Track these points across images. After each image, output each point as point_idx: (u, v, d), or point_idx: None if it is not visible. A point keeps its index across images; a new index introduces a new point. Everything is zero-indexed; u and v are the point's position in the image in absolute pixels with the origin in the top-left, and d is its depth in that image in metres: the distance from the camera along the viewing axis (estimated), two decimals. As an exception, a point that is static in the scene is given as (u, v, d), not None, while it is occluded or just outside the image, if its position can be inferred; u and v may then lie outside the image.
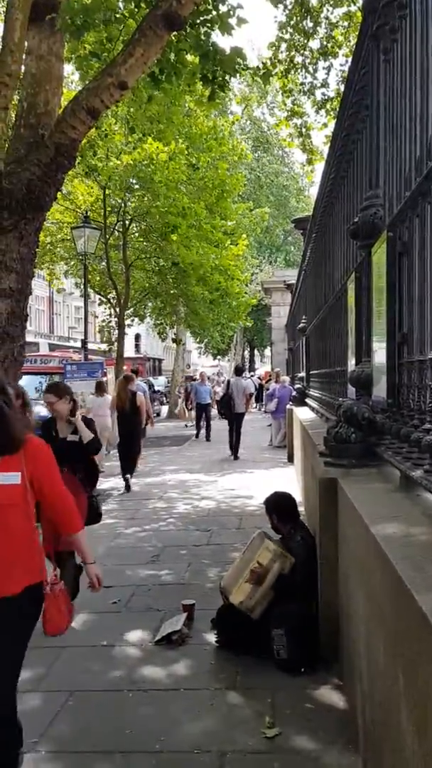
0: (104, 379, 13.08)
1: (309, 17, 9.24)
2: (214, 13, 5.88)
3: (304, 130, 10.70)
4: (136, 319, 21.72)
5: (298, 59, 9.93)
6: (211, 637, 3.85)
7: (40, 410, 4.44)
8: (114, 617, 4.33)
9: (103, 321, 22.41)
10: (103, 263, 17.44)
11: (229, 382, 13.68)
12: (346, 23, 9.61)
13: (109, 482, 9.85)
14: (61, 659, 3.65)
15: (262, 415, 20.32)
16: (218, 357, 44.00)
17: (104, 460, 11.41)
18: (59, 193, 5.95)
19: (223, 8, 5.87)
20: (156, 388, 27.70)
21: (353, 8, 9.24)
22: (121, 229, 17.21)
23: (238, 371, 14.29)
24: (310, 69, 10.11)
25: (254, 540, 3.89)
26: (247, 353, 43.40)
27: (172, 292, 19.45)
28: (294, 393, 10.65)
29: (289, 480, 8.72)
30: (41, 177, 4.97)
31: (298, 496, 5.21)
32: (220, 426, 16.08)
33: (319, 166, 8.72)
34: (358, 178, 3.92)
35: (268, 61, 9.66)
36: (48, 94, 5.38)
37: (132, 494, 8.89)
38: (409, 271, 2.59)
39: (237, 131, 27.67)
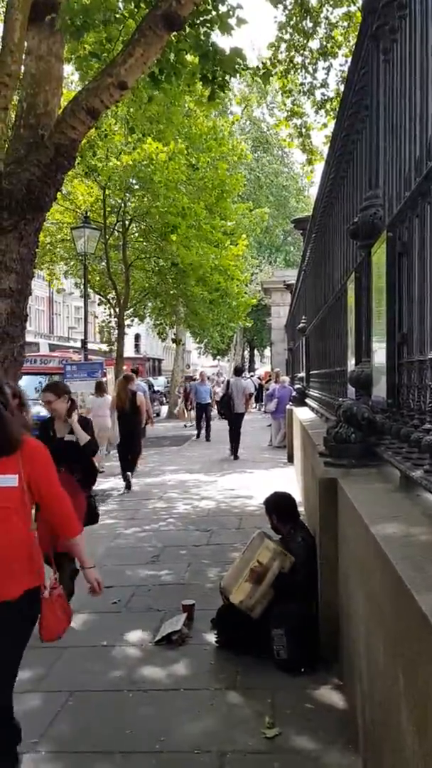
0: (104, 379, 13.08)
1: (309, 17, 9.24)
2: (214, 13, 5.89)
3: (303, 130, 10.70)
4: (136, 320, 21.72)
5: (298, 59, 9.93)
6: (211, 637, 3.85)
7: (40, 411, 4.42)
8: (114, 617, 4.32)
9: (103, 321, 22.43)
10: (103, 263, 17.44)
11: (228, 382, 13.69)
12: (345, 23, 9.61)
13: (109, 482, 9.85)
14: (62, 659, 3.65)
15: (262, 415, 20.31)
16: (218, 357, 44.01)
17: (104, 460, 11.41)
18: (59, 193, 5.95)
19: (222, 8, 5.88)
20: (156, 388, 27.70)
21: (353, 8, 9.24)
22: (120, 230, 17.22)
23: (238, 371, 14.30)
24: (310, 69, 10.11)
25: (254, 540, 3.90)
26: (246, 353, 43.40)
27: (171, 292, 19.46)
28: (294, 393, 10.65)
29: (289, 480, 8.72)
30: (41, 177, 4.97)
31: (297, 496, 5.21)
32: (220, 426, 16.08)
33: (319, 167, 8.73)
34: (358, 179, 3.93)
35: (267, 61, 9.66)
36: (48, 95, 5.38)
37: (132, 494, 8.89)
38: (408, 271, 2.59)
39: (237, 131, 27.68)
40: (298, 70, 10.09)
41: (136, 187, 16.05)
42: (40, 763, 2.70)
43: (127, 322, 18.88)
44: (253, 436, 15.00)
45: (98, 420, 11.01)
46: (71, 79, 12.95)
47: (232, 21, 5.88)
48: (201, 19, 5.90)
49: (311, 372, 8.32)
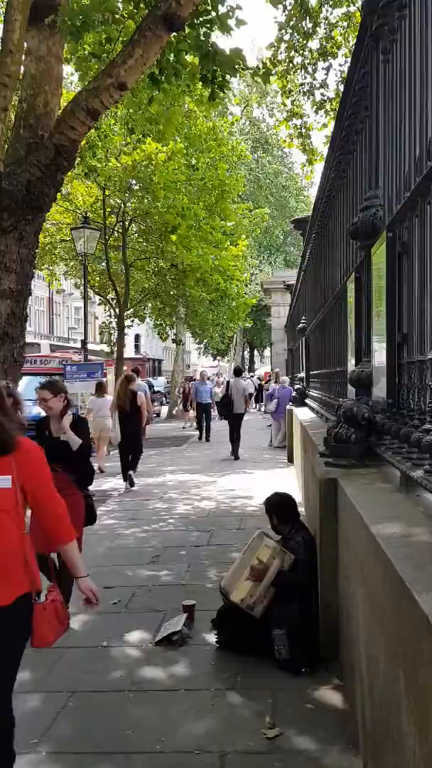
0: (104, 379, 13.08)
1: (308, 17, 9.24)
2: (214, 14, 5.89)
3: (303, 130, 10.70)
4: (136, 320, 21.73)
5: (298, 60, 9.93)
6: (212, 638, 3.85)
7: (40, 412, 4.36)
8: (114, 618, 4.32)
9: (103, 322, 22.44)
10: (103, 264, 17.45)
11: (228, 383, 13.69)
12: (345, 23, 9.61)
13: (110, 482, 9.85)
14: (62, 660, 3.65)
15: (262, 415, 20.32)
16: (218, 357, 44.04)
17: (104, 460, 11.42)
18: (59, 193, 5.94)
19: (222, 9, 5.88)
20: (156, 389, 27.71)
21: (352, 8, 9.24)
22: (120, 230, 17.22)
23: (237, 372, 14.31)
24: (310, 69, 10.11)
25: (254, 540, 3.90)
26: (246, 354, 43.43)
27: (171, 292, 19.48)
28: (294, 393, 10.65)
29: (289, 480, 8.72)
30: (41, 178, 4.97)
31: (298, 496, 5.21)
32: (220, 426, 16.08)
33: (319, 167, 8.72)
34: (358, 179, 3.93)
35: (267, 61, 9.65)
36: (47, 95, 5.38)
37: (132, 494, 8.89)
38: (408, 271, 2.59)
39: (236, 132, 27.69)
40: (298, 71, 10.09)
41: (136, 187, 16.05)
42: (41, 763, 2.70)
43: (127, 322, 18.88)
44: (253, 437, 15.00)
45: (99, 420, 11.05)
46: (71, 79, 12.96)
47: (232, 22, 5.89)
48: (201, 19, 5.89)
49: (311, 372, 8.32)
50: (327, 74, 10.87)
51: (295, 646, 3.44)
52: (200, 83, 6.54)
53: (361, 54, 3.54)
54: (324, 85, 10.39)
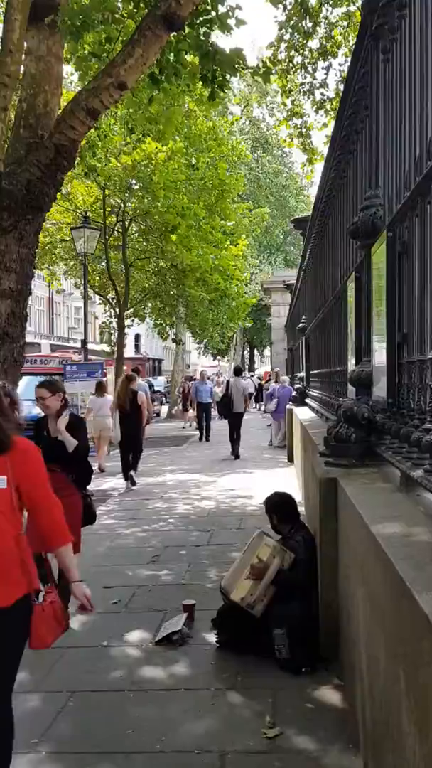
0: (104, 379, 13.09)
1: (308, 17, 9.23)
2: (213, 13, 5.88)
3: (304, 130, 10.70)
4: (136, 320, 21.73)
5: (298, 59, 9.93)
6: (212, 637, 3.85)
7: (40, 412, 4.34)
8: (114, 617, 4.32)
9: (104, 322, 22.44)
10: (103, 264, 17.45)
11: (228, 382, 13.71)
12: (345, 23, 9.60)
13: (110, 482, 9.85)
14: (62, 660, 3.65)
15: (262, 415, 20.31)
16: (218, 357, 44.04)
17: (105, 459, 11.43)
18: (59, 193, 5.94)
19: (222, 9, 5.87)
20: (156, 388, 27.72)
21: (352, 8, 9.23)
22: (120, 230, 17.22)
23: (237, 372, 14.34)
24: (310, 69, 10.10)
25: (254, 539, 3.90)
26: (246, 353, 43.42)
27: (171, 292, 19.48)
28: (294, 393, 10.65)
29: (289, 480, 8.72)
30: (41, 178, 4.97)
31: (298, 496, 5.21)
32: (220, 426, 16.07)
33: (319, 166, 8.72)
34: (358, 178, 3.92)
35: (267, 61, 9.65)
36: (47, 95, 5.38)
37: (132, 494, 8.89)
38: (408, 270, 2.59)
39: (236, 131, 27.69)
40: (298, 70, 10.09)
41: (136, 187, 16.05)
42: (41, 763, 2.70)
43: (127, 322, 18.88)
44: (253, 436, 15.00)
45: (99, 419, 11.08)
46: (71, 79, 12.96)
47: (231, 21, 5.89)
48: (201, 19, 5.89)
49: (311, 372, 8.32)
50: (327, 74, 10.84)
51: (295, 645, 3.44)
52: (200, 83, 6.54)
53: (361, 53, 3.54)
54: (324, 84, 10.38)
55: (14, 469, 2.21)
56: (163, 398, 28.40)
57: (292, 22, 9.30)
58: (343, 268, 4.80)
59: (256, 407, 23.79)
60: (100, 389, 11.49)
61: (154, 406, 20.32)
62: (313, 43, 9.77)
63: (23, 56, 5.21)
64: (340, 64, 10.28)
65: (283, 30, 9.51)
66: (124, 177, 15.27)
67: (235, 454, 12.44)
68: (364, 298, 3.52)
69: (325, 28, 9.65)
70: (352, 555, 2.71)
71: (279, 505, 4.12)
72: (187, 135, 16.20)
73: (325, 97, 10.32)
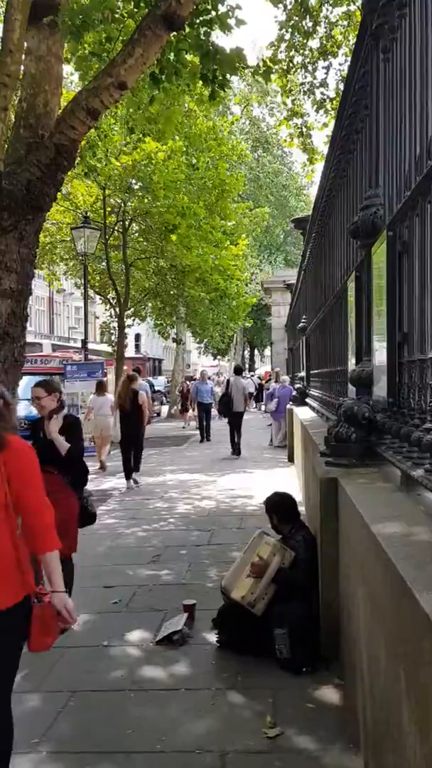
0: (104, 379, 13.12)
1: (308, 16, 9.24)
2: (213, 13, 5.88)
3: (304, 129, 10.70)
4: (137, 320, 21.73)
5: (298, 59, 9.93)
6: (212, 637, 3.85)
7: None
8: (115, 617, 4.33)
9: (104, 322, 22.45)
10: (103, 263, 17.46)
11: (228, 381, 13.74)
12: (345, 22, 9.60)
13: (110, 482, 9.86)
14: (63, 660, 3.65)
15: (263, 414, 20.31)
16: (218, 357, 44.05)
17: (107, 459, 11.45)
18: (59, 193, 5.93)
19: (222, 8, 5.87)
20: (156, 388, 27.72)
21: (352, 7, 9.24)
22: (120, 230, 17.22)
23: (238, 371, 14.39)
24: (310, 68, 10.11)
25: (254, 539, 3.90)
26: (247, 353, 43.42)
27: (171, 292, 19.48)
28: (294, 393, 10.65)
29: (290, 480, 8.72)
30: (41, 177, 4.96)
31: (298, 496, 5.21)
32: (220, 425, 16.07)
33: (320, 166, 8.72)
34: (358, 178, 3.92)
35: (268, 60, 9.65)
36: (47, 95, 5.37)
37: (132, 494, 8.90)
38: (409, 270, 2.59)
39: (236, 131, 27.69)
40: (298, 70, 10.09)
41: (136, 187, 16.05)
42: (42, 763, 2.70)
43: (127, 322, 18.89)
44: (253, 436, 15.00)
45: (100, 419, 11.10)
46: (71, 79, 12.96)
47: (231, 21, 5.88)
48: (201, 18, 5.89)
49: (311, 371, 8.31)
50: (327, 73, 10.85)
51: (296, 645, 3.44)
52: (200, 82, 6.54)
53: (362, 53, 3.53)
54: (324, 84, 10.39)
55: (7, 466, 2.19)
56: (164, 398, 28.40)
57: (292, 22, 9.30)
58: (343, 268, 4.80)
59: (256, 407, 23.78)
60: (101, 389, 11.53)
61: (154, 406, 20.34)
62: (314, 43, 9.79)
63: (23, 56, 5.21)
64: (340, 64, 10.30)
65: (284, 29, 9.51)
66: (125, 177, 15.27)
67: (237, 452, 12.48)
68: (364, 297, 3.52)
69: (326, 27, 9.66)
70: (353, 554, 2.71)
71: (279, 505, 4.12)
72: (187, 135, 16.20)
73: (325, 97, 10.33)
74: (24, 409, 9.65)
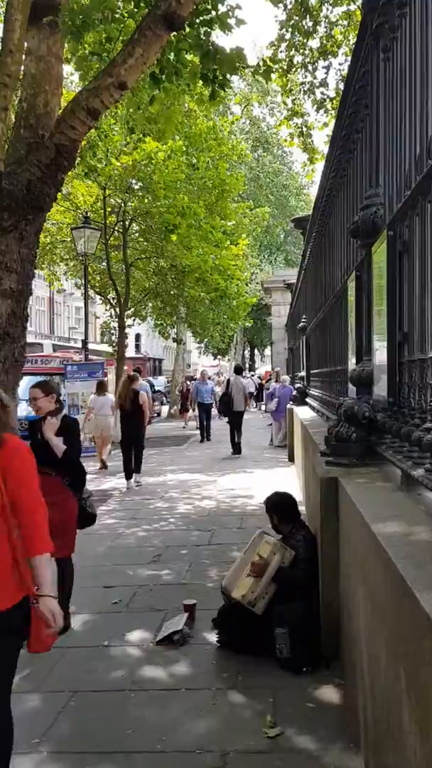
0: (105, 379, 13.14)
1: (308, 16, 9.24)
2: (213, 13, 5.88)
3: (304, 129, 10.70)
4: (137, 320, 21.74)
5: (298, 59, 9.93)
6: (213, 637, 3.85)
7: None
8: (115, 617, 4.33)
9: (105, 321, 22.47)
10: (103, 263, 17.46)
11: (228, 380, 13.76)
12: (345, 22, 9.60)
13: (110, 482, 9.86)
14: (63, 660, 3.65)
15: (263, 414, 20.31)
16: (218, 357, 44.06)
17: (108, 459, 11.46)
18: (59, 193, 5.93)
19: (222, 8, 5.87)
20: (156, 388, 27.72)
21: (353, 7, 9.24)
22: (120, 230, 17.23)
23: (238, 370, 14.42)
24: (310, 68, 10.11)
25: (254, 539, 3.91)
26: (247, 353, 43.43)
27: (172, 292, 19.49)
28: (294, 392, 10.65)
29: (290, 480, 8.72)
30: (41, 178, 4.96)
31: (298, 495, 5.21)
32: (220, 425, 16.07)
33: (320, 166, 8.72)
34: (358, 177, 3.92)
35: (268, 60, 9.65)
36: (48, 95, 5.37)
37: (133, 494, 8.90)
38: (409, 269, 2.59)
39: (237, 131, 27.69)
40: (299, 69, 10.09)
41: (136, 187, 16.05)
42: (42, 763, 2.70)
43: (128, 322, 18.90)
44: (253, 436, 15.00)
45: (101, 418, 11.12)
46: (71, 79, 12.97)
47: (231, 21, 5.88)
48: (201, 18, 5.89)
49: (312, 371, 8.31)
50: (327, 73, 10.86)
51: (296, 645, 3.44)
52: (201, 82, 6.54)
53: (362, 52, 3.53)
54: (324, 83, 10.38)
55: (2, 468, 2.18)
56: (164, 398, 28.40)
57: (292, 21, 9.30)
58: (343, 268, 4.80)
59: (256, 407, 23.78)
60: (101, 388, 11.56)
61: (154, 406, 20.33)
62: (314, 42, 9.79)
63: (23, 56, 5.21)
64: (340, 64, 10.30)
65: (284, 29, 9.51)
66: (125, 177, 15.28)
67: (238, 450, 12.51)
68: (364, 297, 3.51)
69: (326, 27, 9.66)
70: (353, 554, 2.71)
71: (279, 505, 4.12)
72: (188, 134, 16.20)
73: (325, 97, 10.33)
74: (24, 409, 9.65)
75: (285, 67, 9.86)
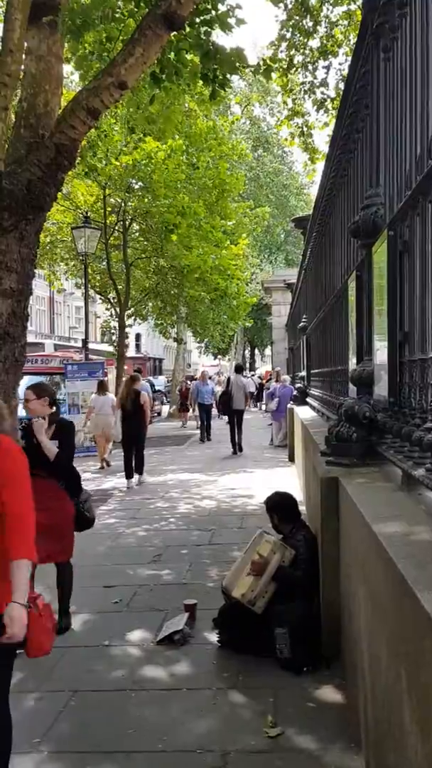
0: (105, 378, 13.16)
1: (309, 16, 9.24)
2: (213, 13, 5.88)
3: (305, 129, 10.70)
4: (138, 319, 21.75)
5: (298, 58, 9.93)
6: (213, 637, 3.85)
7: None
8: (116, 617, 4.33)
9: (105, 320, 22.48)
10: (104, 263, 17.47)
11: (228, 379, 13.78)
12: (346, 22, 9.60)
13: (111, 482, 9.86)
14: (63, 659, 3.65)
15: (263, 414, 20.31)
16: (219, 356, 44.06)
17: (110, 458, 11.48)
18: (59, 193, 5.93)
19: (222, 8, 5.87)
20: (157, 388, 27.72)
21: (353, 7, 9.23)
22: (121, 229, 17.23)
23: (238, 369, 14.45)
24: (310, 68, 10.11)
25: (255, 539, 3.91)
26: (247, 352, 43.43)
27: (172, 292, 19.49)
28: (295, 392, 10.65)
29: (290, 479, 8.72)
30: (41, 177, 4.96)
31: (299, 495, 5.21)
32: (220, 425, 16.07)
33: (320, 166, 8.72)
34: (359, 177, 3.92)
35: (268, 60, 9.65)
36: (48, 95, 5.37)
37: (133, 494, 8.90)
38: (410, 269, 2.59)
39: (237, 131, 27.69)
40: (299, 69, 10.09)
41: (136, 186, 16.05)
42: (43, 762, 2.70)
43: (128, 321, 18.90)
44: (254, 436, 15.00)
45: (101, 417, 11.15)
46: (72, 78, 12.97)
47: (231, 21, 5.88)
48: (201, 18, 5.89)
49: (312, 371, 8.31)
50: (327, 73, 10.87)
51: (296, 645, 3.44)
52: (201, 82, 6.54)
53: (362, 52, 3.53)
54: (324, 83, 10.38)
55: None
56: (164, 398, 28.40)
57: (292, 21, 9.30)
58: (344, 267, 4.80)
59: (257, 407, 23.77)
60: (102, 388, 11.59)
61: (155, 406, 20.34)
62: (314, 42, 9.78)
63: (24, 56, 5.21)
64: (340, 63, 10.30)
65: (284, 29, 9.51)
66: (125, 176, 15.28)
67: (239, 449, 12.52)
68: (365, 297, 3.51)
69: (326, 27, 9.66)
70: (354, 554, 2.71)
71: (280, 505, 4.13)
72: (188, 134, 16.19)
73: (325, 96, 10.33)
74: (24, 410, 9.68)
75: (285, 67, 9.85)
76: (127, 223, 17.23)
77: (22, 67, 5.23)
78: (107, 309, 21.23)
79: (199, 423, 16.11)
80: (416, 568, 1.63)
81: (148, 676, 3.46)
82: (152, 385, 23.54)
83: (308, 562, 3.66)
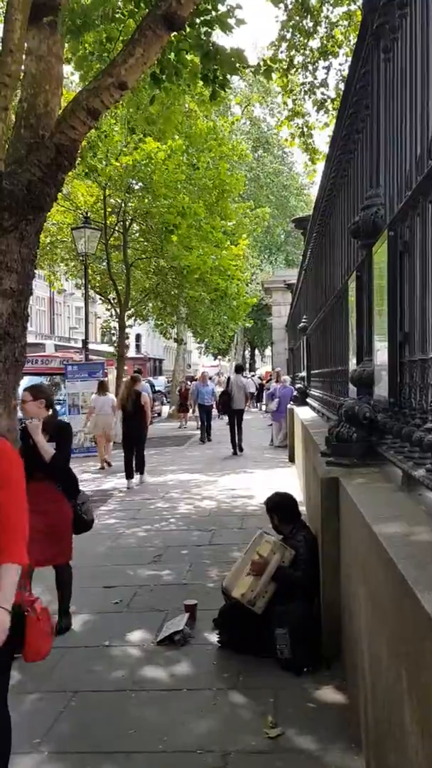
0: (105, 378, 13.17)
1: (309, 16, 9.24)
2: (214, 13, 5.88)
3: (305, 129, 10.70)
4: (137, 320, 21.76)
5: (298, 59, 9.93)
6: (214, 637, 3.85)
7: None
8: (116, 617, 4.32)
9: (105, 322, 22.50)
10: (104, 264, 17.48)
11: (229, 379, 13.79)
12: (346, 22, 9.61)
13: (111, 482, 9.86)
14: (64, 660, 3.65)
15: (263, 414, 20.31)
16: (219, 357, 44.07)
17: (110, 457, 11.48)
18: (59, 193, 5.93)
19: (222, 8, 5.87)
20: (157, 388, 27.72)
21: (353, 7, 9.24)
22: (121, 230, 17.23)
23: (239, 369, 14.47)
24: (310, 68, 10.11)
25: (255, 540, 3.91)
26: (247, 353, 43.44)
27: (172, 292, 19.50)
28: (295, 393, 10.65)
29: (290, 480, 8.72)
30: (41, 178, 4.96)
31: (299, 496, 5.21)
32: (220, 425, 16.07)
33: (320, 166, 8.72)
34: (359, 178, 3.92)
35: (268, 60, 9.65)
36: (48, 95, 5.37)
37: (133, 494, 8.90)
38: (410, 270, 2.59)
39: (237, 131, 27.70)
40: (299, 70, 10.09)
41: (137, 187, 16.06)
42: (43, 763, 2.70)
43: (128, 322, 18.91)
44: (254, 436, 15.00)
45: (102, 417, 11.17)
46: (72, 78, 12.97)
47: (232, 21, 5.88)
48: (201, 18, 5.89)
49: (312, 371, 8.31)
50: (327, 73, 10.87)
51: (296, 645, 3.44)
52: (201, 82, 6.54)
53: (362, 53, 3.53)
54: (325, 84, 10.39)
55: None
56: (164, 398, 28.40)
57: (293, 22, 9.30)
58: (344, 268, 4.80)
59: (257, 407, 23.77)
60: (102, 388, 11.61)
61: (155, 406, 20.34)
62: (314, 43, 9.79)
63: (24, 56, 5.21)
64: (340, 64, 10.30)
65: (284, 29, 9.51)
66: (125, 177, 15.29)
67: (239, 449, 12.52)
68: (365, 297, 3.51)
69: (326, 27, 9.66)
70: (354, 554, 2.71)
71: (280, 506, 4.12)
72: (188, 134, 16.20)
73: (325, 97, 10.33)
74: (20, 411, 9.70)
75: (285, 68, 9.86)
76: (127, 223, 17.24)
77: (23, 67, 5.24)
78: (107, 309, 21.23)
79: (200, 424, 16.09)
80: (416, 568, 1.63)
81: (148, 677, 3.46)
82: (152, 386, 23.54)
83: (308, 563, 3.66)
